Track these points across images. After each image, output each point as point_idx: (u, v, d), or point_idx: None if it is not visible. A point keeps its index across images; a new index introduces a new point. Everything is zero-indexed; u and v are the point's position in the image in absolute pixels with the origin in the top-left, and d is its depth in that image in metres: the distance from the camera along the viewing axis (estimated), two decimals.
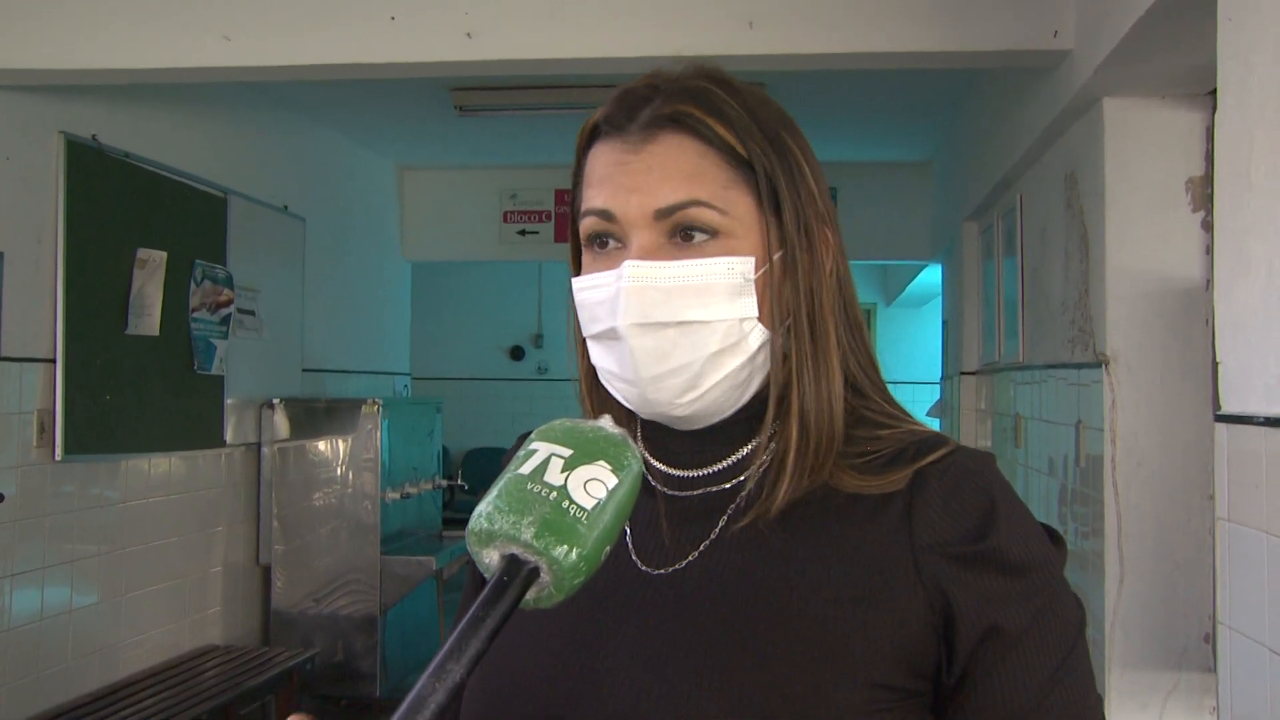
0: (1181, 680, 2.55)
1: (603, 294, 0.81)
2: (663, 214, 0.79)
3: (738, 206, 0.81)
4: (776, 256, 0.82)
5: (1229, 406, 1.67)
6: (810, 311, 0.83)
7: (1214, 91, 1.76)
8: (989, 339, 4.32)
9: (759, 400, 0.84)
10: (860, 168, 6.05)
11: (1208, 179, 2.55)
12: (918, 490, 0.78)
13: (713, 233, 0.80)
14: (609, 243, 0.82)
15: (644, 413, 0.83)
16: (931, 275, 6.78)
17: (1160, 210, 2.60)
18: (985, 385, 4.56)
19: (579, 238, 0.85)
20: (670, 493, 0.85)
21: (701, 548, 0.81)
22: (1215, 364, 1.73)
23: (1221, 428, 1.70)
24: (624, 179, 0.81)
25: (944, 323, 5.50)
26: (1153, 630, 2.56)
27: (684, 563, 0.81)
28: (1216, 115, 1.73)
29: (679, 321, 0.79)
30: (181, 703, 3.54)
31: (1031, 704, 0.74)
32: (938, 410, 5.60)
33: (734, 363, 0.80)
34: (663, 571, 0.81)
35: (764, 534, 0.80)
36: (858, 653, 0.74)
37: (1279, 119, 1.53)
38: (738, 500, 0.82)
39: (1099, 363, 2.65)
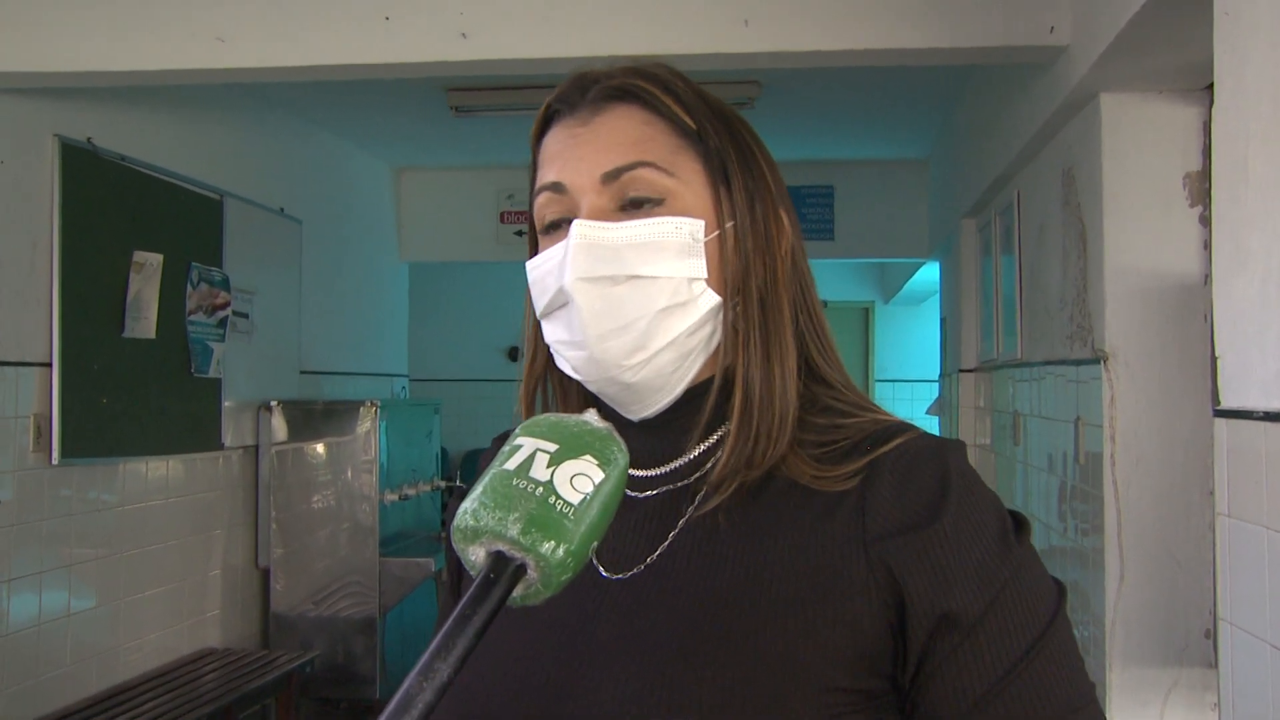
0: (1183, 676, 2.55)
1: (553, 263, 0.81)
2: (610, 177, 0.80)
3: (686, 171, 0.81)
4: (728, 225, 0.82)
5: (1228, 401, 1.67)
6: (761, 285, 0.82)
7: (1211, 86, 1.75)
8: (987, 336, 4.31)
9: (717, 391, 0.82)
10: (856, 166, 6.04)
11: (1205, 174, 2.55)
12: (870, 482, 0.76)
13: (660, 200, 0.80)
14: (561, 225, 0.82)
15: (593, 380, 0.81)
16: (929, 273, 6.77)
17: (1158, 206, 2.60)
18: (984, 383, 4.55)
19: (536, 231, 0.86)
20: (630, 493, 0.83)
21: (659, 550, 0.80)
22: (1214, 359, 1.72)
23: (1221, 423, 1.69)
24: (573, 150, 0.82)
25: (942, 320, 5.50)
26: (1153, 626, 2.56)
27: (641, 567, 0.80)
28: (1213, 109, 1.73)
29: (628, 275, 0.78)
30: (181, 706, 3.53)
31: (991, 691, 0.71)
32: (937, 408, 5.59)
33: (682, 324, 0.79)
34: (620, 576, 0.80)
35: (718, 536, 0.78)
36: (809, 657, 0.72)
37: (1275, 112, 1.53)
38: (695, 500, 0.80)
39: (1097, 359, 2.65)
